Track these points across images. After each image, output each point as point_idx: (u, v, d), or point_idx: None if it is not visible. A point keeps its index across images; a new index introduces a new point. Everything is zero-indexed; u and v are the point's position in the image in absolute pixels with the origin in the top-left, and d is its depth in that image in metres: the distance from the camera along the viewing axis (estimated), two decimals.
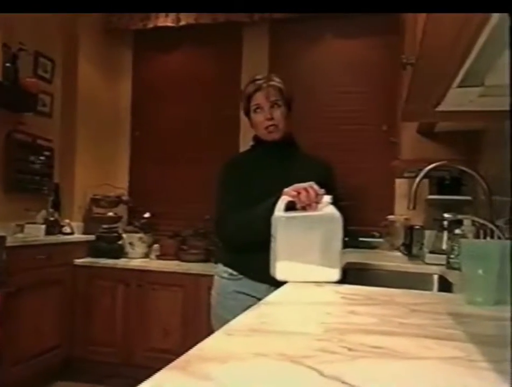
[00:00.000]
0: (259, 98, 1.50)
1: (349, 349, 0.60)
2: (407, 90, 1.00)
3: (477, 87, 0.75)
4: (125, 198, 3.33)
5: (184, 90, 3.38)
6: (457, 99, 0.82)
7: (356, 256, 2.25)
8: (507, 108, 0.88)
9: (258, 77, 1.54)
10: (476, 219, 1.56)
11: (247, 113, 1.56)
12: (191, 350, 0.58)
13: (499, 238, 1.34)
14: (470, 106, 0.87)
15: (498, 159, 1.71)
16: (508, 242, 1.30)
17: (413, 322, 0.78)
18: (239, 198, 1.45)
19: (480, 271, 1.01)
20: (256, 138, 1.59)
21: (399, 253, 2.50)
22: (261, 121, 1.50)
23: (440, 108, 0.88)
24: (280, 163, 1.53)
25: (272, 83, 1.50)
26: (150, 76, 3.48)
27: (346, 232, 1.49)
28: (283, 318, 0.82)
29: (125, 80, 3.53)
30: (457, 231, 1.79)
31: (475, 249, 1.05)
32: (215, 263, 1.61)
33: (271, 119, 1.49)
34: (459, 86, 0.75)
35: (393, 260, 2.17)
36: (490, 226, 1.39)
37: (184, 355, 0.56)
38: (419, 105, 0.97)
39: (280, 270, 1.19)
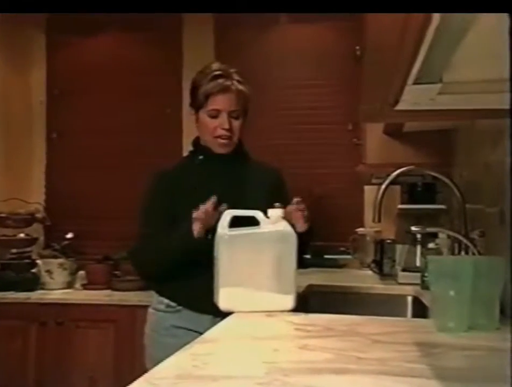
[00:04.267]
0: (221, 103, 1.45)
1: None
2: (361, 86, 1.04)
3: (435, 84, 0.79)
4: (39, 215, 3.21)
5: (112, 82, 3.31)
6: (416, 97, 0.86)
7: (320, 277, 2.29)
8: (471, 107, 0.94)
9: (215, 67, 1.49)
10: (447, 232, 1.63)
11: (197, 109, 1.50)
12: None
13: (473, 254, 1.40)
14: (432, 104, 0.92)
15: (472, 161, 1.80)
16: (482, 258, 1.36)
17: (373, 356, 0.80)
18: (168, 221, 1.44)
19: (451, 292, 1.05)
20: (197, 143, 1.57)
21: (369, 272, 2.56)
22: (214, 127, 1.46)
23: (399, 107, 0.92)
24: (226, 174, 1.50)
25: (241, 87, 1.47)
26: (69, 65, 3.38)
27: (306, 249, 1.50)
28: (220, 358, 0.81)
29: (37, 70, 3.42)
30: (431, 245, 1.86)
31: (445, 267, 1.09)
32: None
33: (228, 129, 1.45)
34: (416, 83, 0.78)
35: (363, 281, 2.22)
36: (464, 240, 1.45)
37: None
38: (376, 104, 1.01)
39: (224, 298, 1.19)
